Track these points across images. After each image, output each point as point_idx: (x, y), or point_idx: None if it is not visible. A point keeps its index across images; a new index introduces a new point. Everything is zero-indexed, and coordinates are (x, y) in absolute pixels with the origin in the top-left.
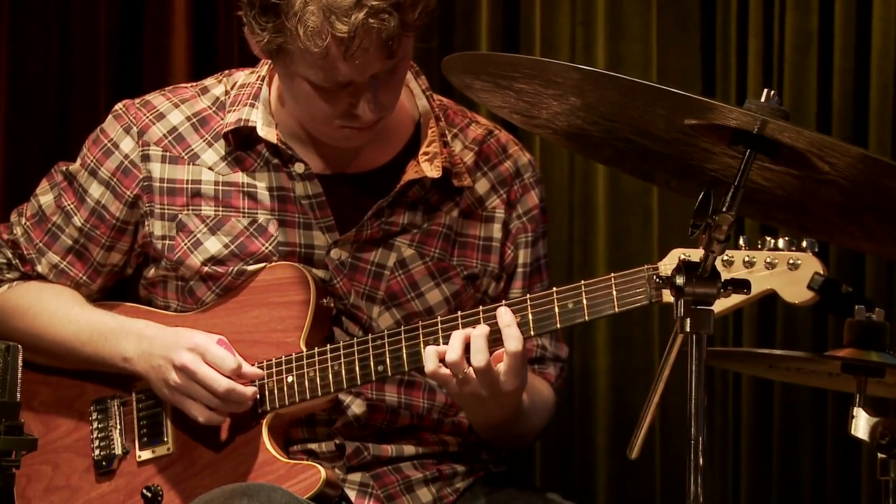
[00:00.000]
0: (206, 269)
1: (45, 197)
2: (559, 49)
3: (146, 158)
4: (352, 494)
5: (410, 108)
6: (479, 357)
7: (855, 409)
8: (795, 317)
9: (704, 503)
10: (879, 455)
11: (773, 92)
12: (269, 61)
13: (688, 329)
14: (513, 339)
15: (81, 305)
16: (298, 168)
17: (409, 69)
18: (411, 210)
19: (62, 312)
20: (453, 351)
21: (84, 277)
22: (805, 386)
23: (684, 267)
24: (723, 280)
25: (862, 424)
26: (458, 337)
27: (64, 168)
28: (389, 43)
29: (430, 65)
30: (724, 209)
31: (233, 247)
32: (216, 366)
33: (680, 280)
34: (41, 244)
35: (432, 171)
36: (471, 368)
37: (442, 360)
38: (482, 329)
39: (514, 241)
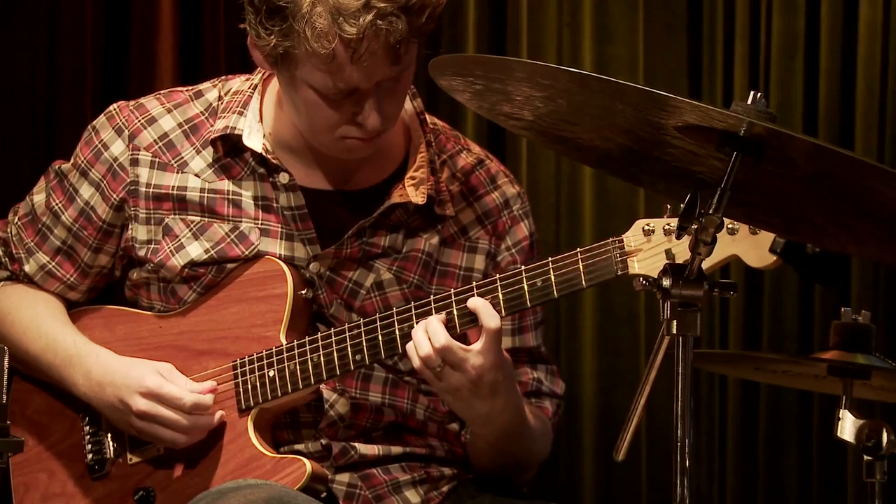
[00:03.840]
0: (186, 271)
1: (38, 196)
2: (546, 51)
3: (135, 162)
4: (340, 496)
5: (405, 131)
6: (439, 337)
7: (841, 411)
8: (781, 319)
9: None
10: (865, 457)
11: (759, 94)
12: (266, 71)
13: (674, 331)
14: (491, 318)
15: (54, 320)
16: (283, 178)
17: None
18: (393, 233)
19: (35, 325)
20: (423, 345)
21: (72, 279)
22: (791, 388)
23: (671, 269)
24: (710, 282)
25: (848, 427)
26: (419, 330)
27: (57, 167)
28: (397, 47)
29: (417, 66)
30: (710, 211)
31: (213, 252)
32: (173, 405)
33: (666, 282)
34: (32, 244)
35: (417, 196)
36: (441, 359)
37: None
38: (437, 316)
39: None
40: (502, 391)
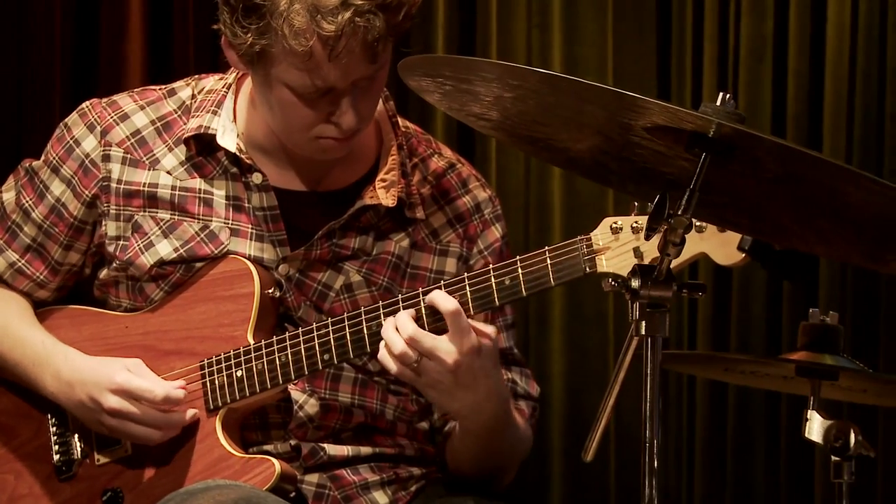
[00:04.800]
0: (155, 270)
1: (7, 194)
2: (515, 52)
3: (107, 158)
4: (309, 497)
5: (377, 133)
6: (407, 329)
7: (809, 412)
8: (750, 320)
9: None
10: (833, 458)
11: (728, 95)
12: (240, 71)
13: (643, 332)
14: (447, 301)
15: (21, 319)
16: (256, 178)
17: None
18: (363, 235)
19: (2, 325)
20: (395, 343)
21: (42, 276)
22: (759, 389)
23: (639, 270)
24: (679, 283)
25: (816, 427)
26: (389, 328)
27: (27, 165)
28: (374, 45)
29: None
30: (679, 212)
31: (182, 251)
32: (144, 399)
33: (635, 283)
34: (1, 242)
35: (387, 199)
36: (415, 352)
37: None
38: (405, 312)
39: None
40: (484, 376)
